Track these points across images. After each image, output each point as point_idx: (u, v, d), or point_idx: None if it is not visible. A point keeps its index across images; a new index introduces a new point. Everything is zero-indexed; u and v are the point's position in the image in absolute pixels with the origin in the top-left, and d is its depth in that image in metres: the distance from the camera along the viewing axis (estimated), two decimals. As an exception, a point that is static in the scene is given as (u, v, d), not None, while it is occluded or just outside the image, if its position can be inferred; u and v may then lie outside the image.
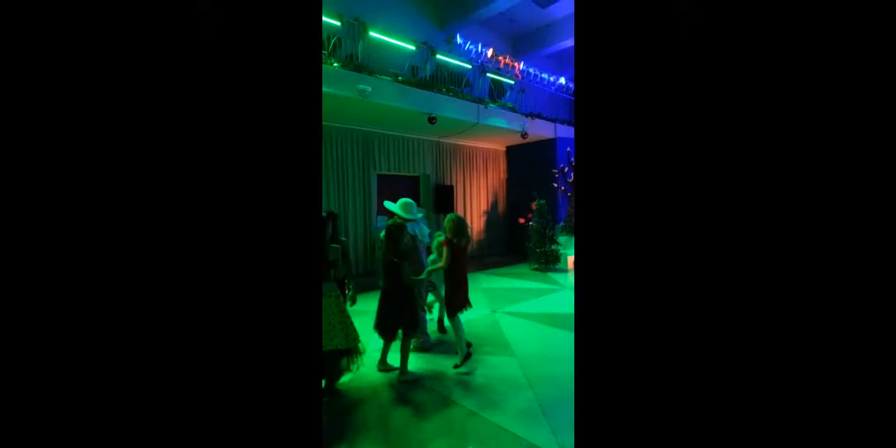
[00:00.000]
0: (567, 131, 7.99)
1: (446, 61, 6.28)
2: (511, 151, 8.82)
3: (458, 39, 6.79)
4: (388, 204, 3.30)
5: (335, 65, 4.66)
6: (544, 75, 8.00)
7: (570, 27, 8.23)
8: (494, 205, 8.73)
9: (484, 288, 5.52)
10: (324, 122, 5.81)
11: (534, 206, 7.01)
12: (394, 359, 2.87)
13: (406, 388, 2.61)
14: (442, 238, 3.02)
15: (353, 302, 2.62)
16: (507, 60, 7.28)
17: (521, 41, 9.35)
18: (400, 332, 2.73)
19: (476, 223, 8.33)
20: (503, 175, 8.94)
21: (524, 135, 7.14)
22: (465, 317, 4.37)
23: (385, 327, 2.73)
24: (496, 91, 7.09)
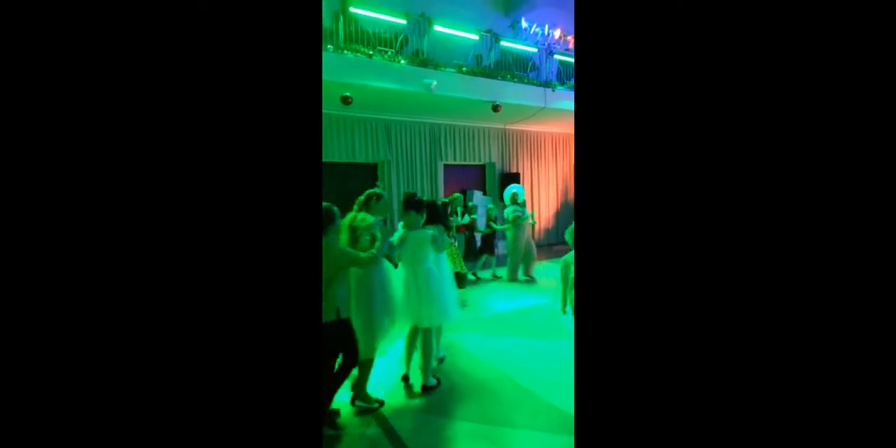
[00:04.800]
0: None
1: (511, 47, 6.22)
2: (582, 135, 8.45)
3: (524, 23, 6.65)
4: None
5: (402, 62, 4.91)
6: (619, 52, 7.50)
7: None
8: (564, 192, 8.50)
9: (555, 277, 5.53)
10: (391, 117, 6.16)
11: None
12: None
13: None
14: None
15: None
16: (576, 40, 6.96)
17: (594, 16, 8.80)
18: None
19: (544, 211, 8.21)
20: (574, 160, 8.62)
21: (595, 117, 6.82)
22: (530, 302, 4.46)
23: None
24: (564, 72, 6.85)
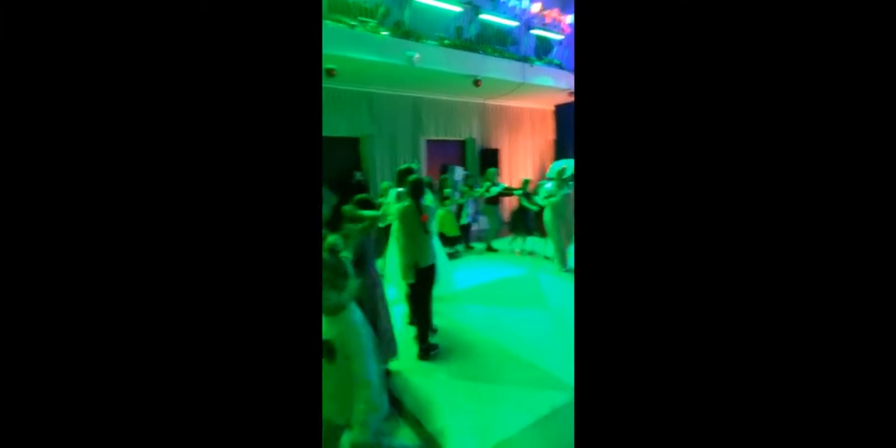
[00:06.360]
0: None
1: (491, 21, 6.16)
2: (560, 111, 8.60)
3: (503, -4, 6.55)
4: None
5: (384, 33, 4.82)
6: (596, 27, 7.55)
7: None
8: (541, 169, 8.70)
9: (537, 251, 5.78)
10: (373, 90, 6.06)
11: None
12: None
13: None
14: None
15: None
16: (553, 15, 6.96)
17: (572, -10, 8.75)
18: None
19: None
20: (551, 136, 8.79)
21: (571, 93, 6.95)
22: (509, 273, 4.69)
23: None
24: (542, 48, 6.87)
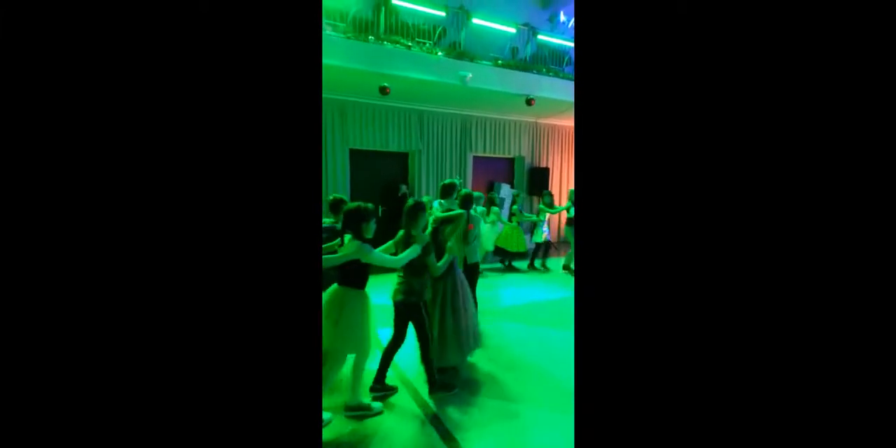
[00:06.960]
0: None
1: (547, 41, 6.20)
2: (615, 131, 8.32)
3: (562, 17, 6.60)
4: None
5: (439, 54, 5.00)
6: (659, 47, 7.33)
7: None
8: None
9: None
10: (425, 108, 6.26)
11: None
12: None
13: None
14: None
15: None
16: (615, 34, 6.86)
17: (636, 10, 8.57)
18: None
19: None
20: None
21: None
22: (558, 294, 4.52)
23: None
24: (601, 68, 6.76)
